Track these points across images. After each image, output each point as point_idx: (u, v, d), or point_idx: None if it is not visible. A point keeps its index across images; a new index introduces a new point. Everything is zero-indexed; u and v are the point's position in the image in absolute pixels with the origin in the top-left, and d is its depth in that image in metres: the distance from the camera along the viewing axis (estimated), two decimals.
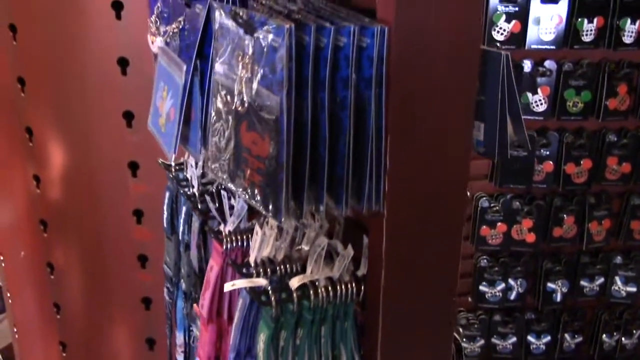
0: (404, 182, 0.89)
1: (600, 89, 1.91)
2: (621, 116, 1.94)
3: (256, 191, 0.84)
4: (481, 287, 2.09)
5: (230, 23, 0.87)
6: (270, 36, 0.78)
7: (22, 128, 1.97)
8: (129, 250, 2.02)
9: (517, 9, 1.81)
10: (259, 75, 0.81)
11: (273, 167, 0.80)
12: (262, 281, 0.91)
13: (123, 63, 1.82)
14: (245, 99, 0.84)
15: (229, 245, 1.09)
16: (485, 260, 2.08)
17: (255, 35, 0.81)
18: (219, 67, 0.91)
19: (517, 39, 1.83)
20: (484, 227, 2.03)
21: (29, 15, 1.82)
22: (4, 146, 2.02)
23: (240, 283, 0.91)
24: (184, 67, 1.01)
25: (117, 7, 1.77)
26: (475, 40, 0.89)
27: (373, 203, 0.87)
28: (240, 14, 0.86)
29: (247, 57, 0.83)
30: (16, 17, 1.83)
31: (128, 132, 1.88)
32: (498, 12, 1.81)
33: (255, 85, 0.82)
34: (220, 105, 0.91)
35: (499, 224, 2.03)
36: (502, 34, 1.82)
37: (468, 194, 2.04)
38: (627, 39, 1.87)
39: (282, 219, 0.80)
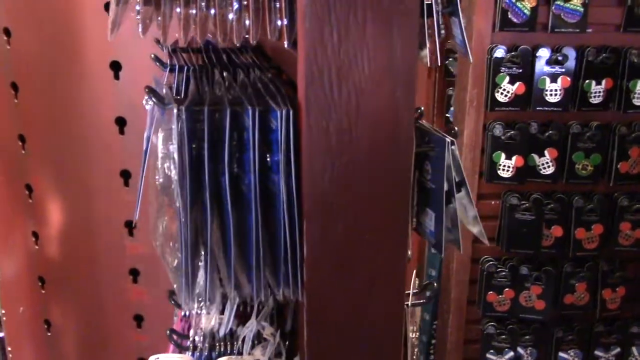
0: (324, 271, 0.85)
1: (610, 151, 1.84)
2: (633, 180, 1.86)
3: (172, 267, 0.83)
4: (489, 355, 2.00)
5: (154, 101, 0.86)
6: (173, 117, 0.78)
7: (22, 185, 1.97)
8: (125, 309, 1.99)
9: (521, 70, 1.76)
10: (162, 154, 0.81)
11: (178, 248, 0.79)
12: (185, 358, 0.87)
13: (121, 122, 1.81)
14: (161, 178, 0.84)
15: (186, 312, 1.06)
16: (492, 327, 1.99)
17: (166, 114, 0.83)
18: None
19: (522, 100, 1.78)
20: (491, 292, 1.95)
21: (29, 75, 1.83)
22: (4, 202, 2.02)
23: (164, 358, 0.87)
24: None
25: (116, 67, 1.77)
26: (404, 126, 0.85)
27: (291, 291, 0.83)
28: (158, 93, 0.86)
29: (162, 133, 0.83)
30: (17, 76, 1.84)
31: (125, 191, 1.86)
32: (501, 74, 1.76)
33: (159, 163, 0.82)
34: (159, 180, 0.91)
35: (506, 289, 1.94)
36: (505, 95, 1.77)
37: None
38: (638, 101, 1.80)
39: (184, 303, 0.78)
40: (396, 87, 0.85)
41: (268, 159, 0.85)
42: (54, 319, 2.09)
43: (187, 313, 1.13)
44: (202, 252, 0.86)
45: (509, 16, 1.74)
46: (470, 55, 0.93)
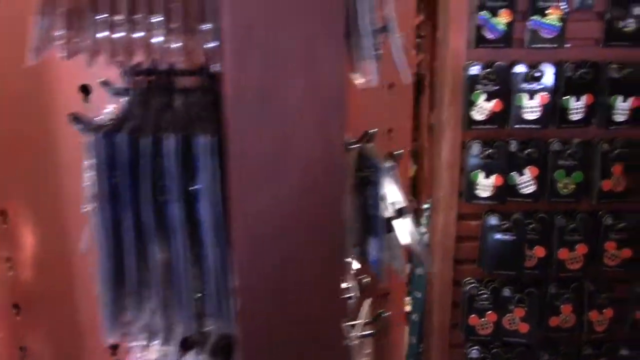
0: (256, 302, 0.81)
1: (592, 169, 1.79)
2: (617, 198, 1.80)
3: None
4: None
5: None
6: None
7: None
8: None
9: (497, 87, 1.71)
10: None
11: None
12: None
13: None
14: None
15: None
16: (476, 351, 1.93)
17: None
18: None
19: (499, 118, 1.74)
20: (473, 315, 1.89)
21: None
22: None
23: None
24: None
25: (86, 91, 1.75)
26: (335, 151, 0.82)
27: (223, 323, 0.80)
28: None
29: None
30: None
31: None
32: (477, 91, 1.72)
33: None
34: None
35: (488, 312, 1.89)
36: (482, 113, 1.73)
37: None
38: (620, 117, 1.75)
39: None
40: (324, 112, 0.82)
41: (194, 187, 0.82)
42: (30, 345, 2.05)
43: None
44: (129, 284, 0.82)
45: (484, 33, 1.70)
46: (407, 74, 0.90)
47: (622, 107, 1.74)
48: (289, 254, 0.85)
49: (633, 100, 1.74)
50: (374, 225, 0.92)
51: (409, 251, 2.12)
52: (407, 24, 2.14)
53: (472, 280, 1.90)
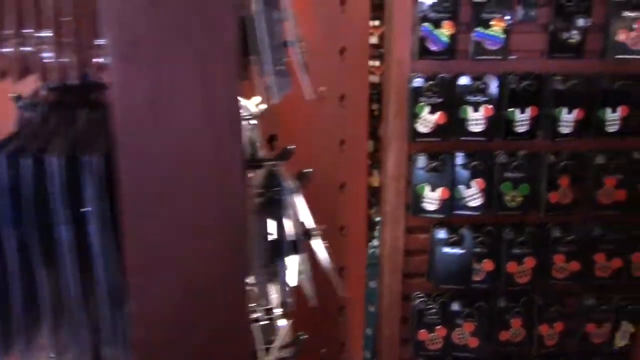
0: (152, 329, 0.78)
1: (539, 181, 1.77)
2: (565, 210, 1.79)
3: None
4: None
5: None
6: None
7: None
8: None
9: (441, 100, 1.69)
10: None
11: None
12: None
13: None
14: None
15: None
16: None
17: None
18: None
19: (444, 131, 1.71)
20: (422, 330, 1.86)
21: None
22: None
23: None
24: None
25: None
26: (232, 171, 0.79)
27: (118, 351, 0.76)
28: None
29: None
30: None
31: None
32: (421, 104, 1.69)
33: None
34: None
35: (438, 327, 1.86)
36: (426, 126, 1.71)
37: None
38: (565, 129, 1.73)
39: None
40: (220, 130, 0.78)
41: (84, 210, 0.78)
42: None
43: None
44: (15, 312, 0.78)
45: (427, 44, 1.68)
46: (309, 90, 0.86)
47: (567, 119, 1.72)
48: (186, 279, 0.82)
49: (578, 112, 1.72)
50: (281, 247, 0.89)
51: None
52: (360, 34, 2.12)
53: (421, 295, 1.88)
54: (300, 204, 0.91)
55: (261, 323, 1.05)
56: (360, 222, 2.23)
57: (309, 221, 0.90)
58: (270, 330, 1.11)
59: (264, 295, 0.96)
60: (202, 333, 0.84)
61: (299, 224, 0.88)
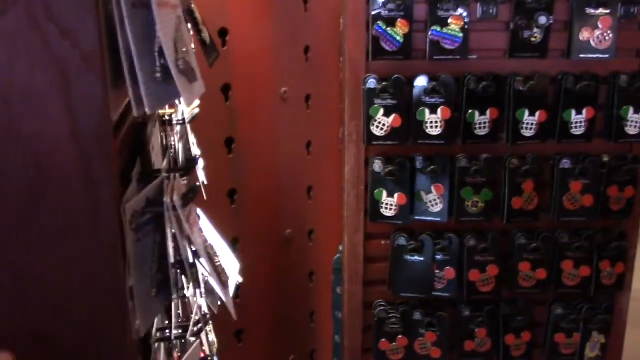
0: None
1: (502, 186, 1.70)
2: (529, 217, 1.71)
3: None
4: None
5: None
6: None
7: None
8: None
9: (395, 101, 1.63)
10: None
11: None
12: None
13: None
14: None
15: None
16: None
17: None
18: None
19: (399, 133, 1.65)
20: (383, 339, 1.80)
21: None
22: None
23: None
24: None
25: None
26: (99, 193, 0.74)
27: None
28: None
29: None
30: None
31: None
32: (375, 105, 1.63)
33: None
34: None
35: (399, 336, 1.79)
36: (381, 128, 1.64)
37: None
38: (527, 132, 1.66)
39: None
40: (82, 144, 0.73)
41: None
42: None
43: None
44: None
45: (381, 44, 1.62)
46: (188, 98, 0.81)
47: (529, 120, 1.65)
48: (54, 302, 0.77)
49: (540, 114, 1.65)
50: (166, 265, 0.84)
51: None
52: (325, 32, 2.06)
53: (382, 303, 1.82)
54: (190, 219, 0.86)
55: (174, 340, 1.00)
56: (329, 226, 2.18)
57: (197, 238, 0.85)
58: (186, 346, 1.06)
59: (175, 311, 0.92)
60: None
61: (185, 242, 0.82)
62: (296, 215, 2.18)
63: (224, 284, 0.90)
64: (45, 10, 0.71)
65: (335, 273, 2.06)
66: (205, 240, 0.89)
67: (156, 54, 0.79)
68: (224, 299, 0.91)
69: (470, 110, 1.64)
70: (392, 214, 1.71)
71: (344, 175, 1.75)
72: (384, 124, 1.64)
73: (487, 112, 1.65)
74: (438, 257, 1.74)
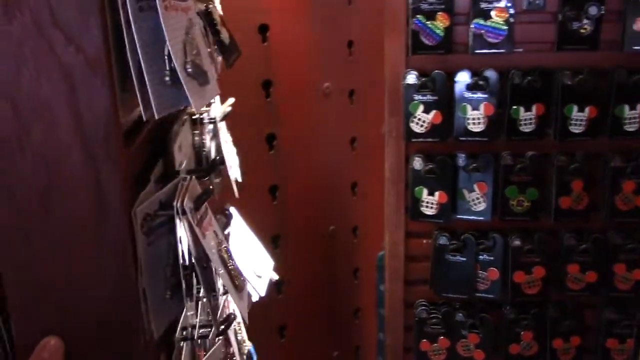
0: None
1: (549, 185, 1.63)
2: (578, 217, 1.64)
3: None
4: None
5: None
6: None
7: None
8: None
9: (436, 97, 1.58)
10: None
11: None
12: None
13: None
14: None
15: None
16: None
17: None
18: None
19: (440, 130, 1.60)
20: (424, 340, 1.76)
21: None
22: None
23: None
24: None
25: None
26: (110, 199, 0.73)
27: None
28: None
29: None
30: None
31: None
32: (415, 102, 1.59)
33: None
34: None
35: (440, 337, 1.75)
36: (421, 125, 1.60)
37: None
38: (576, 128, 1.58)
39: None
40: (90, 148, 0.73)
41: None
42: None
43: None
44: None
45: (421, 38, 1.57)
46: (196, 102, 0.80)
47: (578, 117, 1.57)
48: (68, 307, 0.78)
49: (590, 110, 1.57)
50: (177, 271, 0.83)
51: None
52: (370, 26, 2.02)
53: (423, 303, 1.78)
54: (204, 222, 0.85)
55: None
56: (374, 223, 2.15)
57: (210, 241, 0.84)
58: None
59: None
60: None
61: (194, 246, 0.81)
62: (340, 211, 2.15)
63: (237, 287, 0.89)
64: (50, 16, 0.71)
65: (379, 270, 2.03)
66: (220, 243, 0.88)
67: (166, 57, 0.78)
68: (236, 303, 0.90)
69: (515, 107, 1.58)
70: (433, 213, 1.67)
71: (386, 173, 1.72)
72: (424, 121, 1.60)
73: (533, 108, 1.58)
74: (481, 257, 1.69)
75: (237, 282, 0.88)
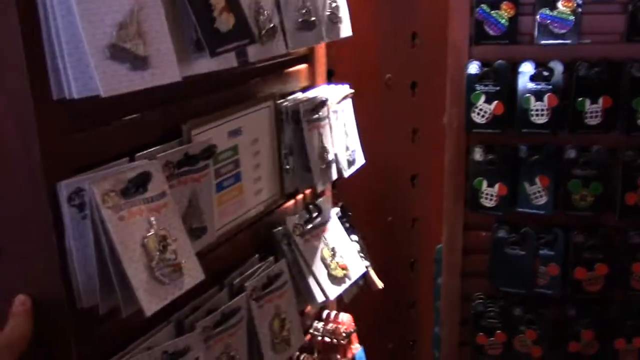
0: None
1: (615, 180, 1.59)
2: None
3: None
4: None
5: None
6: None
7: None
8: None
9: (498, 88, 1.56)
10: None
11: None
12: None
13: None
14: None
15: None
16: None
17: None
18: None
19: (501, 121, 1.58)
20: (481, 334, 1.75)
21: None
22: None
23: None
24: None
25: None
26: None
27: None
28: None
29: None
30: None
31: None
32: (477, 92, 1.58)
33: None
34: None
35: (497, 332, 1.73)
36: (482, 116, 1.59)
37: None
38: None
39: None
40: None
41: None
42: None
43: None
44: None
45: (485, 28, 1.56)
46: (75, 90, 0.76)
47: None
48: None
49: None
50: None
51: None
52: (433, 18, 2.01)
53: (481, 296, 1.76)
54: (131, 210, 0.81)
55: None
56: (433, 216, 2.14)
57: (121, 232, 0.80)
58: None
59: None
60: None
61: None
62: (399, 203, 2.15)
63: (158, 280, 0.84)
64: None
65: (437, 263, 2.02)
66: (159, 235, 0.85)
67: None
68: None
69: (580, 99, 1.55)
70: (493, 205, 1.65)
71: (445, 164, 1.71)
72: (485, 112, 1.58)
73: (600, 100, 1.54)
74: (541, 252, 1.66)
75: (161, 278, 0.84)
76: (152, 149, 0.91)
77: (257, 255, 1.19)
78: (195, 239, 0.97)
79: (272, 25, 1.06)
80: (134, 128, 0.91)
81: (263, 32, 1.04)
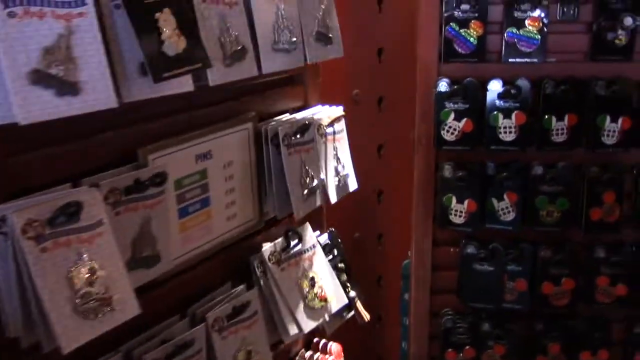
0: None
1: (580, 196, 1.62)
2: (609, 229, 1.62)
3: None
4: None
5: None
6: None
7: None
8: None
9: (467, 105, 1.57)
10: None
11: None
12: None
13: None
14: None
15: None
16: None
17: None
18: None
19: (471, 138, 1.59)
20: (450, 350, 1.75)
21: None
22: None
23: None
24: None
25: None
26: None
27: None
28: None
29: None
30: None
31: None
32: (446, 109, 1.58)
33: None
34: None
35: (466, 347, 1.74)
36: (452, 133, 1.59)
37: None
38: (609, 140, 1.57)
39: None
40: None
41: None
42: None
43: None
44: None
45: (454, 46, 1.57)
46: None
47: (611, 127, 1.56)
48: None
49: (624, 121, 1.55)
50: None
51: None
52: (399, 34, 2.02)
53: (449, 312, 1.77)
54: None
55: None
56: (399, 231, 2.14)
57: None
58: None
59: None
60: None
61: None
62: (365, 219, 2.15)
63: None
64: None
65: (404, 279, 2.02)
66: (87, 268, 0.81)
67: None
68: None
69: (547, 116, 1.57)
70: (462, 221, 1.66)
71: (414, 180, 1.71)
72: (455, 129, 1.59)
73: (566, 118, 1.57)
74: (509, 267, 1.68)
75: (86, 313, 0.77)
76: (97, 175, 0.87)
77: (229, 283, 1.16)
78: (146, 268, 0.92)
79: (240, 47, 1.03)
80: (82, 152, 0.87)
81: (228, 54, 1.01)
